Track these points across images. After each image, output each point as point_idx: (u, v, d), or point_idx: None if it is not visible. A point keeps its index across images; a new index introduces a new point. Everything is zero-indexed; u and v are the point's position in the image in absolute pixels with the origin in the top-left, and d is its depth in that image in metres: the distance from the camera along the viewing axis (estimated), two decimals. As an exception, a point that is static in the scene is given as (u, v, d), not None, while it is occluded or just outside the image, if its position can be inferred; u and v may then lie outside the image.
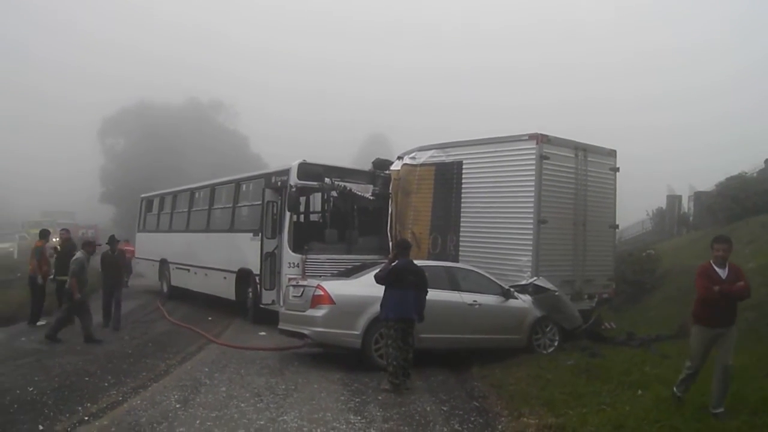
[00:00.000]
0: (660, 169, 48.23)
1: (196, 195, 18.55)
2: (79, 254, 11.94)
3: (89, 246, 12.44)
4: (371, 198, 14.46)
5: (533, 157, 11.64)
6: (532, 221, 11.54)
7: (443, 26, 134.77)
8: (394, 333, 8.62)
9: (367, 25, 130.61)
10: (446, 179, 13.29)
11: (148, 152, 48.96)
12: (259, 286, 13.60)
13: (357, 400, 8.02)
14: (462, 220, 12.85)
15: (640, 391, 7.80)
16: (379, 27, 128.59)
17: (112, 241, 13.98)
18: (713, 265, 6.95)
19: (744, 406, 6.96)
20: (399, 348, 8.60)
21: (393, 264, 9.01)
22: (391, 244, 14.00)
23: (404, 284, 8.72)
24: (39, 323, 13.32)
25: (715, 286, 6.74)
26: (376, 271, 10.08)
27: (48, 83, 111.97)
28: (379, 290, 8.93)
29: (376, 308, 9.14)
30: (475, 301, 10.40)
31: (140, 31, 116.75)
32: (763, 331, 10.40)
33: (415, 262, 9.54)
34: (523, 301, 10.87)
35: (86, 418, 6.87)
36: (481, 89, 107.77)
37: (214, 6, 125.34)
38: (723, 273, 6.87)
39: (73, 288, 11.49)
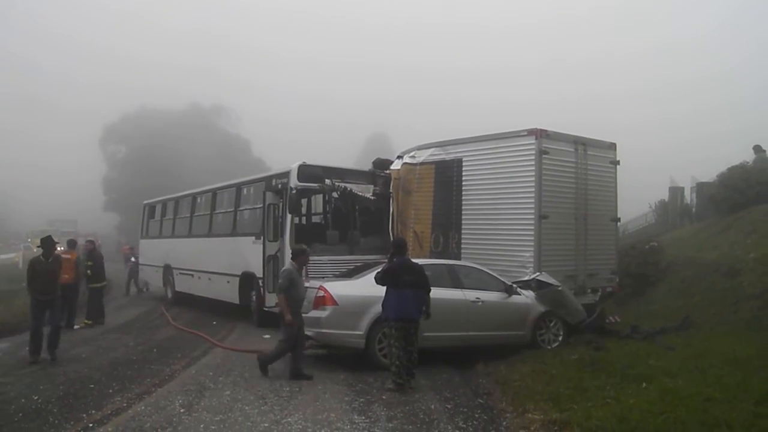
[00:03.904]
0: (662, 162, 47.95)
1: (198, 200, 18.57)
2: (288, 265, 9.62)
3: (303, 256, 9.69)
4: (372, 198, 14.46)
5: (533, 152, 11.62)
6: (533, 217, 11.51)
7: (443, 25, 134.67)
8: (396, 333, 8.61)
9: (367, 26, 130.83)
10: (446, 177, 13.27)
11: (149, 159, 49.05)
12: (262, 289, 13.62)
13: (361, 400, 8.03)
14: (463, 217, 12.83)
15: (644, 384, 7.75)
16: (379, 28, 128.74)
17: (47, 243, 11.06)
18: None
19: (749, 395, 6.93)
20: (402, 348, 8.59)
21: (388, 263, 9.02)
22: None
23: (401, 284, 8.69)
24: (75, 327, 14.04)
25: None
26: (378, 271, 10.13)
27: (50, 94, 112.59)
28: (382, 290, 8.93)
29: (379, 308, 9.14)
30: (478, 298, 10.39)
31: (138, 39, 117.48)
32: (766, 321, 10.36)
33: (417, 260, 9.53)
34: (526, 297, 10.85)
35: (91, 425, 6.88)
36: (482, 87, 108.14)
37: (213, 9, 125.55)
38: None
39: (284, 308, 9.12)
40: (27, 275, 10.90)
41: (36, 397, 8.01)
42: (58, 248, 18.61)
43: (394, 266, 8.91)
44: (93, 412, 7.40)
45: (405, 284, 8.69)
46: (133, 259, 23.81)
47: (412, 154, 14.23)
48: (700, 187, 22.00)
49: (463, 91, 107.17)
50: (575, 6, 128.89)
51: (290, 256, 9.56)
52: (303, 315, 9.83)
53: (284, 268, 9.45)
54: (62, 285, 14.15)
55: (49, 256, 10.94)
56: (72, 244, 15.66)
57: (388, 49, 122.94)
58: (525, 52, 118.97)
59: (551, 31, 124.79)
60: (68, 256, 14.65)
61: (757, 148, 19.12)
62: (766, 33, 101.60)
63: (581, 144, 12.38)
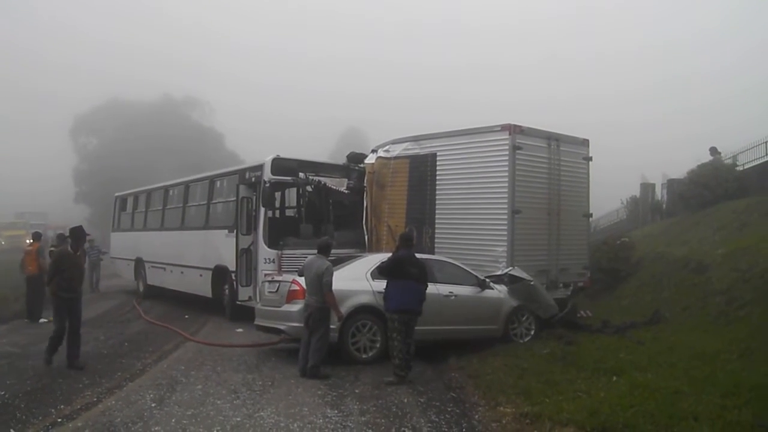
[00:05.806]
0: (635, 162, 48.41)
1: (170, 192, 18.39)
2: (326, 261, 9.14)
3: (330, 249, 9.59)
4: (346, 192, 14.43)
5: (506, 147, 11.69)
6: (506, 212, 11.60)
7: (421, 22, 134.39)
8: (398, 325, 8.65)
9: (343, 21, 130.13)
10: (420, 171, 13.30)
11: (121, 151, 48.28)
12: (235, 282, 13.54)
13: (334, 394, 8.01)
14: (437, 212, 12.87)
15: (615, 378, 7.87)
16: (355, 22, 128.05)
17: (77, 234, 9.85)
18: None
19: (716, 389, 7.07)
20: (402, 340, 8.62)
21: (394, 255, 9.06)
22: (366, 237, 14.02)
23: (406, 276, 8.76)
24: (41, 320, 13.63)
25: None
26: (352, 264, 10.21)
27: (18, 79, 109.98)
28: (355, 284, 8.98)
29: (352, 302, 9.20)
30: (451, 292, 10.42)
31: (114, 24, 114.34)
32: (732, 315, 10.55)
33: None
34: (499, 291, 10.91)
35: (59, 420, 6.78)
36: (459, 85, 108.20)
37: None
38: None
39: (335, 306, 9.05)
40: (50, 270, 9.76)
41: (2, 392, 7.85)
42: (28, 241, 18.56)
43: (400, 257, 8.97)
44: (62, 406, 7.28)
45: (409, 276, 8.77)
46: (103, 250, 22.98)
47: (386, 148, 14.24)
48: (671, 184, 22.33)
49: (440, 88, 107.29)
50: (553, 8, 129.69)
51: (317, 250, 9.36)
52: (276, 309, 9.84)
53: (326, 264, 8.99)
54: (27, 277, 14.30)
55: (78, 249, 9.88)
56: (37, 236, 15.49)
57: (365, 44, 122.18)
58: (503, 52, 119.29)
59: (530, 33, 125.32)
60: (31, 249, 14.67)
61: (713, 150, 19.56)
62: (746, 39, 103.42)
63: (554, 140, 12.47)
